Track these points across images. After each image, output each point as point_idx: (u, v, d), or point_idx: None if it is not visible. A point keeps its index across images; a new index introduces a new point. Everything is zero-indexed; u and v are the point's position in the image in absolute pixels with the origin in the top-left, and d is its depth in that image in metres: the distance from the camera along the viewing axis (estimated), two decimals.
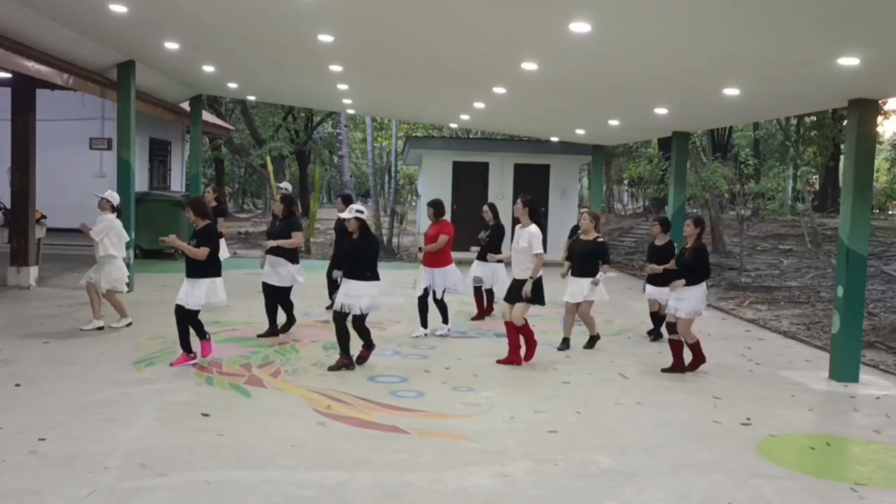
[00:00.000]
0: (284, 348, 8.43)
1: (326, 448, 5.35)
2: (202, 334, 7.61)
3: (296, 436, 5.57)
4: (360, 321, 7.64)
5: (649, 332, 9.82)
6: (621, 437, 5.88)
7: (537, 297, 7.90)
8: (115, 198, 9.09)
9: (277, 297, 9.06)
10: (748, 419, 6.43)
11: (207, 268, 7.51)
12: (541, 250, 7.82)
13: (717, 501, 4.72)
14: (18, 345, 8.03)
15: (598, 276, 8.71)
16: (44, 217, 12.76)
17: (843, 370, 7.99)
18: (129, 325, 9.05)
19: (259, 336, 8.89)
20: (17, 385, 6.59)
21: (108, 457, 5.00)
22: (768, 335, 10.64)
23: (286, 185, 10.67)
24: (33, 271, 12.07)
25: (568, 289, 8.95)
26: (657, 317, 9.59)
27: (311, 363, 7.79)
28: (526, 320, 8.05)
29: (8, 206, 12.38)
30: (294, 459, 5.10)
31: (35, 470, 4.76)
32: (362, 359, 7.76)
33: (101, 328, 8.87)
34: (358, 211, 7.60)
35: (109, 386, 6.66)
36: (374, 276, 7.58)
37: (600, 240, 8.91)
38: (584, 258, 8.80)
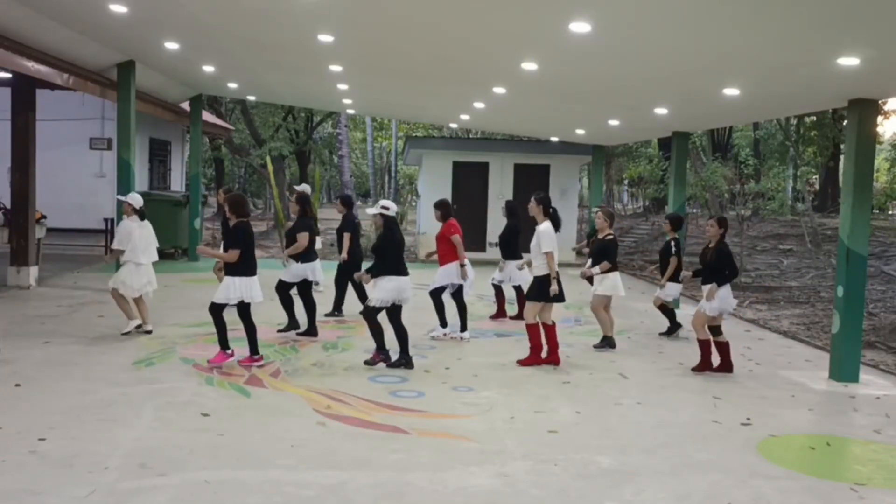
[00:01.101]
0: (284, 348, 8.43)
1: (326, 448, 5.35)
2: (223, 343, 7.53)
3: (296, 436, 5.57)
4: (365, 311, 7.58)
5: (662, 333, 9.94)
6: (621, 437, 5.88)
7: (547, 294, 7.86)
8: (136, 200, 8.88)
9: (288, 291, 9.22)
10: (748, 419, 6.43)
11: (237, 266, 7.40)
12: (549, 248, 7.80)
13: (717, 501, 4.72)
14: (18, 345, 8.03)
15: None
16: (44, 217, 12.76)
17: (843, 370, 7.99)
18: (139, 327, 8.80)
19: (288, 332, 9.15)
20: (17, 385, 6.59)
21: (108, 457, 5.00)
22: (768, 335, 10.64)
23: (304, 187, 10.93)
24: (33, 271, 12.07)
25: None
26: (666, 310, 9.92)
27: (311, 363, 7.79)
28: (538, 322, 8.01)
29: (8, 206, 12.38)
30: (294, 459, 5.10)
31: (35, 470, 4.76)
32: (371, 361, 7.66)
33: (139, 327, 8.83)
34: (383, 207, 7.63)
35: (109, 386, 6.66)
36: (391, 272, 7.48)
37: (609, 237, 8.98)
38: (596, 256, 8.98)
